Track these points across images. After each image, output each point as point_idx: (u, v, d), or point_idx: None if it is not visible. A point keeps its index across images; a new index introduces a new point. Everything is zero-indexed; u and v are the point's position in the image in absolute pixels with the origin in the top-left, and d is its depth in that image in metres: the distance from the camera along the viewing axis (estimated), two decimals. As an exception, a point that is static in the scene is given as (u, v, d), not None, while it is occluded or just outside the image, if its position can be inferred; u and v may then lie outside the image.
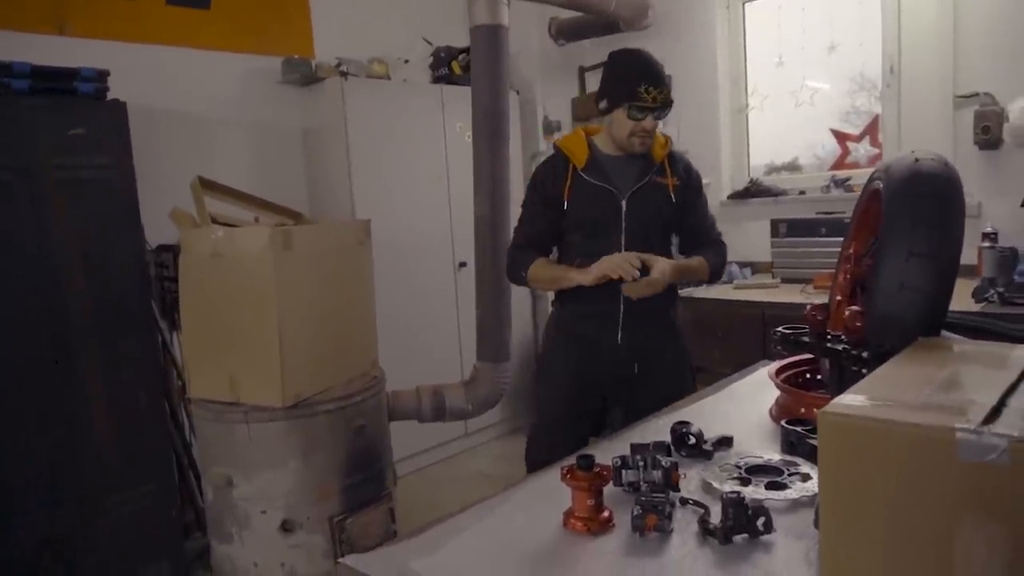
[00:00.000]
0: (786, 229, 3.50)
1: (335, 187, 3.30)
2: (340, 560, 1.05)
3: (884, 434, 0.81)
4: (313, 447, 2.24)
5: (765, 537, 1.03)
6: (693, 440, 1.38)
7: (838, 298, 1.54)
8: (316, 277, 2.25)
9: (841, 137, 3.76)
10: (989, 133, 2.99)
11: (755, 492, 1.15)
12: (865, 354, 1.13)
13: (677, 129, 4.17)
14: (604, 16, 3.64)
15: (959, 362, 1.03)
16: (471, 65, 2.63)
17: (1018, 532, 0.72)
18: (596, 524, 1.10)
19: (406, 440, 2.68)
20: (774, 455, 1.32)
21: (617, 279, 1.85)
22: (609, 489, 1.25)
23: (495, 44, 2.53)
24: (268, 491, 2.21)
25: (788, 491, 1.16)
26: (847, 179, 3.59)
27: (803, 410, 1.46)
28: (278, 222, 2.59)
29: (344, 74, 3.16)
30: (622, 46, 2.08)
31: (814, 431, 1.34)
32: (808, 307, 1.28)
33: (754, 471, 1.25)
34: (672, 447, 1.38)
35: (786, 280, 3.46)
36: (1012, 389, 0.87)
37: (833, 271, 3.16)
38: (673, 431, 1.41)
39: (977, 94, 3.07)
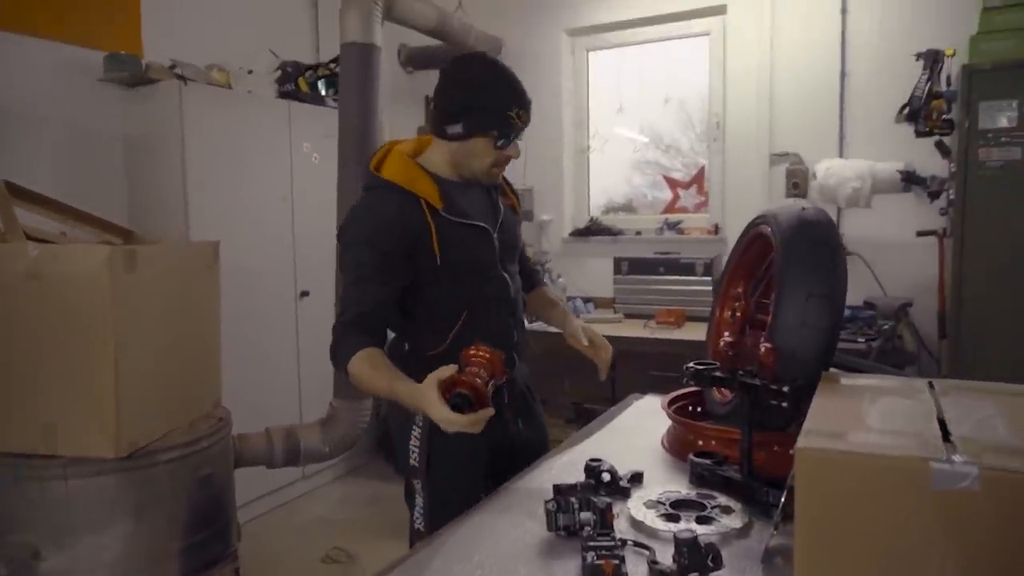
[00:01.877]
0: (628, 267, 3.70)
1: (166, 202, 2.92)
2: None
3: (860, 466, 0.84)
4: (149, 504, 1.92)
5: (714, 574, 1.03)
6: (609, 477, 1.37)
7: (727, 335, 1.62)
8: (159, 305, 1.95)
9: (673, 184, 4.09)
10: (798, 188, 3.42)
11: (687, 528, 1.15)
12: (785, 388, 1.20)
13: (524, 166, 4.30)
14: (460, 48, 3.65)
15: (876, 395, 1.12)
16: (339, 83, 2.49)
17: (987, 555, 0.78)
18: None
19: (238, 488, 2.35)
20: (686, 488, 1.34)
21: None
22: (541, 535, 1.19)
23: (367, 63, 2.42)
24: (88, 561, 1.85)
25: (716, 524, 1.18)
26: (679, 222, 3.90)
27: (701, 442, 1.52)
28: (104, 240, 2.23)
29: (182, 78, 2.83)
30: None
31: (720, 463, 1.39)
32: (721, 343, 1.33)
33: (677, 506, 1.26)
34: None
35: (629, 315, 3.65)
36: (942, 419, 0.95)
37: (672, 308, 3.45)
38: (588, 469, 1.38)
39: (788, 154, 3.50)
